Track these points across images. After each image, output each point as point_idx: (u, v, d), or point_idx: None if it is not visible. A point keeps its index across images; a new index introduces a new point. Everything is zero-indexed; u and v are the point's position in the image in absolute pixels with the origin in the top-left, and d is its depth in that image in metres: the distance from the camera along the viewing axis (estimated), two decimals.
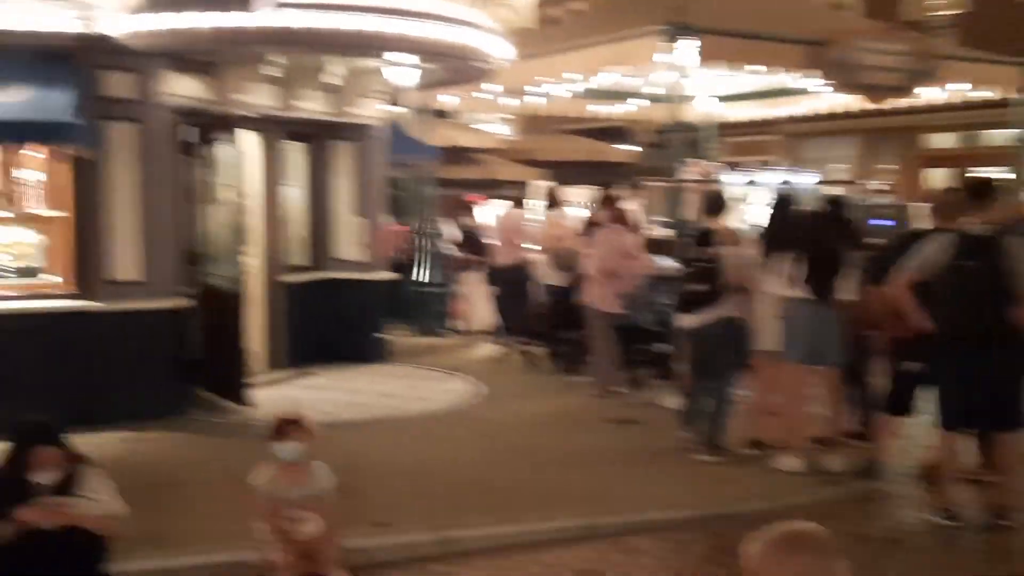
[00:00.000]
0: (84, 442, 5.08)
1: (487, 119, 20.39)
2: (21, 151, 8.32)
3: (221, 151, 9.00)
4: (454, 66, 9.41)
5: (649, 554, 5.83)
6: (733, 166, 14.07)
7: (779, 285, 7.23)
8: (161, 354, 8.57)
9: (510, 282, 11.99)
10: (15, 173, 8.59)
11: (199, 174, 9.21)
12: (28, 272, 8.49)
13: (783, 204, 8.15)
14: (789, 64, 10.45)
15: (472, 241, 13.65)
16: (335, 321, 10.81)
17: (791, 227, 7.54)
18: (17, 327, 8.09)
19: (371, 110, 10.96)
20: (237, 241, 8.92)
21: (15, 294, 8.35)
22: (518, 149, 20.15)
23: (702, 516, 6.32)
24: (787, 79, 11.07)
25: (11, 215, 8.52)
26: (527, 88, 12.17)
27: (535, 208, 13.53)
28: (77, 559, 4.66)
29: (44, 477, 4.67)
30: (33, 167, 8.56)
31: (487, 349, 12.39)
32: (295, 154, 10.98)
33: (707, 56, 9.54)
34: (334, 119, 10.61)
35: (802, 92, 12.56)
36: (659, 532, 6.10)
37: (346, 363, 10.71)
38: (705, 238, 7.61)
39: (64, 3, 8.03)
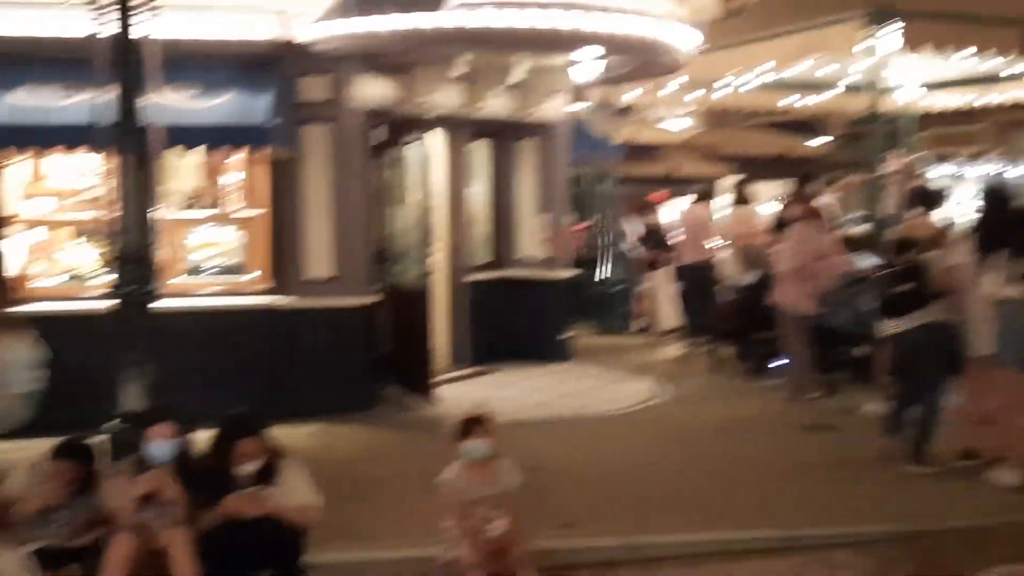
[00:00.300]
0: (278, 435, 5.23)
1: (670, 114, 20.03)
2: (223, 154, 8.70)
3: (409, 151, 9.16)
4: (643, 60, 9.23)
5: (851, 569, 5.51)
6: (939, 159, 13.26)
7: (994, 285, 6.72)
8: (352, 350, 8.79)
9: (697, 280, 11.71)
10: (218, 175, 9.00)
11: (388, 174, 9.41)
12: (230, 269, 8.87)
13: (997, 198, 7.58)
14: (1004, 47, 9.72)
15: (656, 239, 13.41)
16: (518, 319, 10.83)
17: (1007, 222, 7.01)
18: (220, 323, 8.46)
19: (554, 108, 10.91)
20: (423, 240, 9.06)
21: (218, 290, 8.75)
22: (703, 144, 19.69)
23: (909, 532, 5.92)
24: (999, 64, 10.29)
25: (215, 214, 8.93)
26: (713, 81, 11.83)
27: (722, 204, 13.16)
28: (276, 548, 4.82)
29: (246, 468, 4.85)
30: (234, 168, 8.95)
31: (672, 349, 12.14)
32: (479, 153, 11.08)
33: (913, 41, 9.01)
34: (518, 118, 10.62)
35: (1016, 78, 11.69)
36: (862, 547, 5.75)
37: (529, 361, 10.71)
38: (909, 236, 7.18)
39: (263, 12, 8.36)
